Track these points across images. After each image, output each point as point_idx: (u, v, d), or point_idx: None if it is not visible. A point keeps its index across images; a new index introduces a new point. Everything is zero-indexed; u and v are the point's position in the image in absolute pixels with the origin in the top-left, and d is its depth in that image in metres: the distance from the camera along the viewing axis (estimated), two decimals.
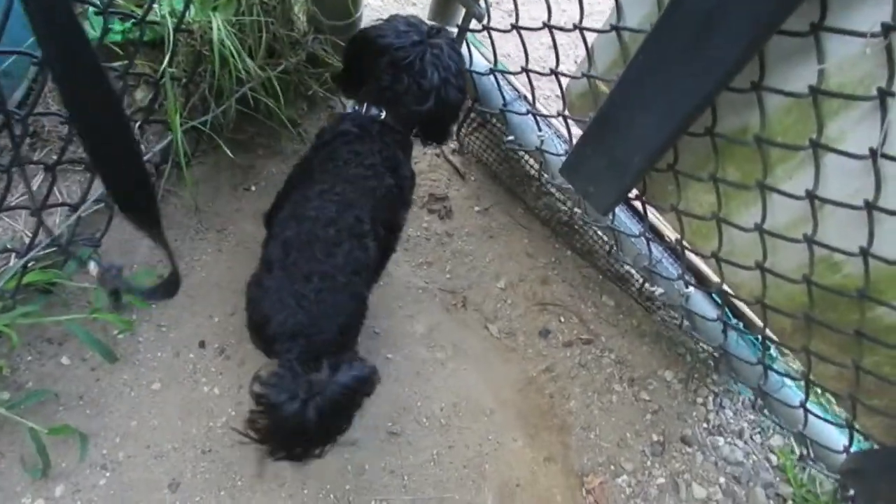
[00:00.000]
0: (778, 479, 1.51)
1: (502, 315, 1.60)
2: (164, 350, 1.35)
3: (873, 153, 0.81)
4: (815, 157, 0.89)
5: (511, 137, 1.48)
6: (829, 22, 0.80)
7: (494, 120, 1.58)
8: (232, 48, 1.20)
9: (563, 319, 1.63)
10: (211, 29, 1.20)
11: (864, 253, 0.89)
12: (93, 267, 1.16)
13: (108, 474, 1.22)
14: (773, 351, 1.38)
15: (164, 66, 1.18)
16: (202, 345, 1.37)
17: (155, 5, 1.15)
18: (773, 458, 1.54)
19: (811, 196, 0.92)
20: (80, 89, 0.71)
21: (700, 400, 1.59)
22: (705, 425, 1.55)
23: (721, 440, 1.54)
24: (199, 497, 1.23)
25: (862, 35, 0.77)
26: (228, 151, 1.42)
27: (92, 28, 1.26)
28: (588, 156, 1.15)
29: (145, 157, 1.34)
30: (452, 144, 1.80)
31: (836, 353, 1.07)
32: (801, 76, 0.86)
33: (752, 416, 1.59)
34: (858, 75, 0.82)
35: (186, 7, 1.15)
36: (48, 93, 1.36)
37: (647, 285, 1.55)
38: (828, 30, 0.81)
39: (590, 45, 1.16)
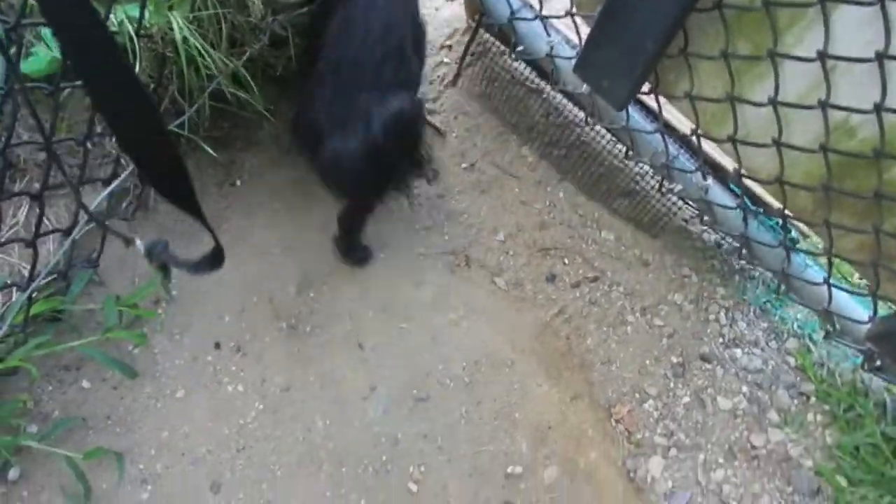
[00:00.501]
0: (798, 378, 1.54)
1: (507, 267, 1.61)
2: (181, 357, 1.35)
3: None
4: (823, 12, 0.88)
5: (521, 48, 1.46)
6: None
7: (494, 47, 1.58)
8: (196, 45, 1.17)
9: (566, 262, 1.64)
10: (171, 30, 1.17)
11: (878, 109, 0.89)
12: (139, 245, 1.18)
13: (149, 488, 1.23)
14: (793, 234, 1.39)
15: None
16: (218, 346, 1.38)
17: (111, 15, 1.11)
18: (791, 360, 1.57)
19: (822, 56, 0.91)
20: (104, 79, 0.73)
21: (712, 317, 1.61)
22: (721, 340, 1.58)
23: (738, 352, 1.56)
24: (242, 494, 1.25)
25: None
26: (211, 150, 1.41)
27: (48, 46, 1.23)
28: (599, 49, 1.14)
29: (126, 172, 1.32)
30: (428, 104, 1.78)
31: (857, 222, 1.08)
32: None
33: (764, 325, 1.62)
34: None
35: (143, 12, 1.12)
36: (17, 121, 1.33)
37: (665, 183, 1.55)
38: None
39: None
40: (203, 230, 0.94)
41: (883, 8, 0.81)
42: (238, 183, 1.56)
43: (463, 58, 1.76)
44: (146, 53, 1.23)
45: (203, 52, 1.19)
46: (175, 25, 1.14)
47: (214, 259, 0.99)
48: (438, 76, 1.81)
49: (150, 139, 0.82)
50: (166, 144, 0.84)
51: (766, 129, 1.06)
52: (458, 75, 1.81)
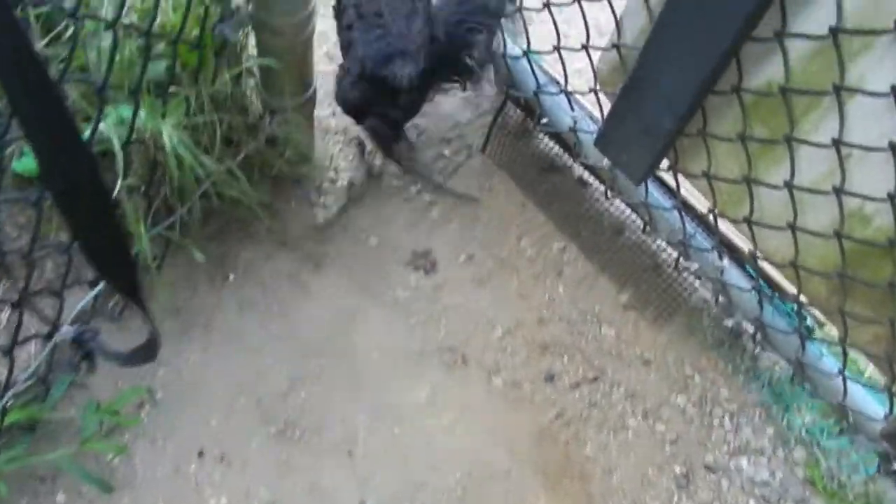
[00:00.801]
0: (807, 492, 1.48)
1: (504, 365, 1.56)
2: (162, 467, 1.29)
3: (894, 90, 0.82)
4: (838, 101, 0.90)
5: (545, 120, 1.52)
6: None
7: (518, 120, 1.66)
8: (187, 151, 1.16)
9: (566, 359, 1.59)
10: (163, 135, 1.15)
11: (892, 198, 0.89)
12: (65, 330, 1.12)
13: None
14: (809, 321, 1.39)
15: (119, 181, 1.14)
16: (201, 454, 1.32)
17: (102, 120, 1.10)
18: (800, 472, 1.50)
19: (837, 143, 0.92)
20: (56, 148, 0.69)
21: (716, 421, 1.56)
22: (726, 448, 1.52)
23: (744, 461, 1.50)
24: None
25: None
26: (199, 253, 1.39)
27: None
28: (620, 123, 1.18)
29: None
30: (427, 196, 1.76)
31: (872, 313, 1.07)
32: (822, 22, 0.87)
33: (771, 431, 1.56)
34: (877, 14, 0.83)
35: (134, 119, 1.10)
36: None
37: (682, 260, 1.54)
38: None
39: (618, 16, 1.18)
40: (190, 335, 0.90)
41: None
42: (231, 277, 1.52)
43: (490, 131, 1.79)
44: (137, 156, 1.21)
45: (193, 157, 1.18)
46: (166, 134, 1.13)
47: (147, 351, 0.93)
48: (437, 168, 1.79)
49: (98, 223, 0.77)
50: (116, 230, 0.80)
51: (782, 212, 1.08)
52: (485, 145, 1.83)
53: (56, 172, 0.70)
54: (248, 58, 1.30)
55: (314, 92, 1.41)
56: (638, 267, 1.69)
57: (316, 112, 1.67)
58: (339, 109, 1.72)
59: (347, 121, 1.68)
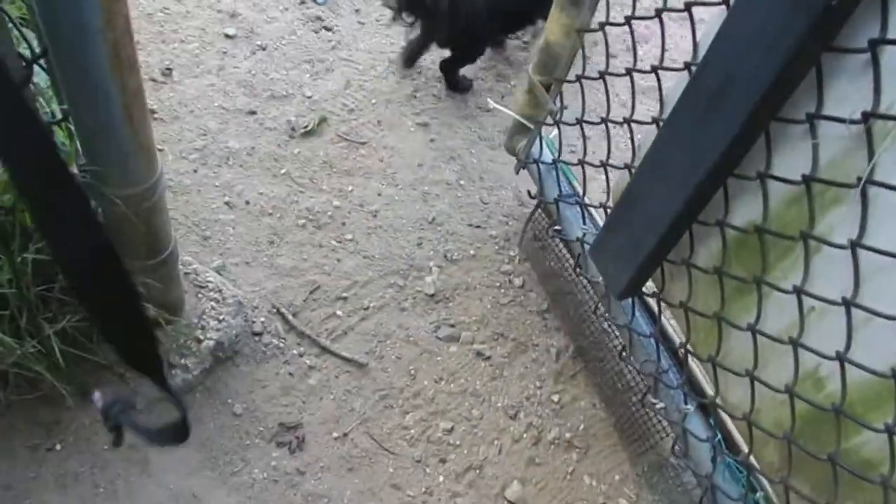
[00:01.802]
0: None
1: None
2: None
3: (852, 244, 0.81)
4: (805, 248, 0.90)
5: (558, 227, 1.61)
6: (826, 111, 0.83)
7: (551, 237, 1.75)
8: None
9: None
10: None
11: (841, 358, 0.85)
12: (97, 397, 0.99)
13: None
14: (759, 496, 1.27)
15: None
16: None
17: None
18: None
19: (798, 292, 0.91)
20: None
21: None
22: None
23: None
24: None
25: (842, 121, 0.80)
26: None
27: None
28: (611, 234, 1.21)
29: None
30: (308, 360, 1.63)
31: (814, 493, 1.00)
32: (800, 168, 0.88)
33: None
34: (848, 169, 0.83)
35: None
36: None
37: (649, 396, 1.49)
38: (822, 117, 0.83)
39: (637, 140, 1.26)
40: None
41: (854, 255, 0.81)
42: (58, 447, 1.35)
43: (523, 234, 1.90)
44: None
45: None
46: None
47: (178, 432, 0.87)
48: (327, 328, 1.68)
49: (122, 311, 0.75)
50: (139, 315, 0.78)
51: (746, 360, 1.06)
52: (520, 243, 1.91)
53: None
54: None
55: (171, 253, 1.30)
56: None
57: (194, 267, 1.57)
58: (223, 264, 1.64)
59: (230, 281, 1.58)
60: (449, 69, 2.18)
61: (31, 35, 0.96)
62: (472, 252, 1.92)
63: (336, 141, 2.06)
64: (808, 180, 0.86)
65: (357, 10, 2.36)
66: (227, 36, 2.19)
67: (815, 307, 0.92)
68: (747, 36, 0.83)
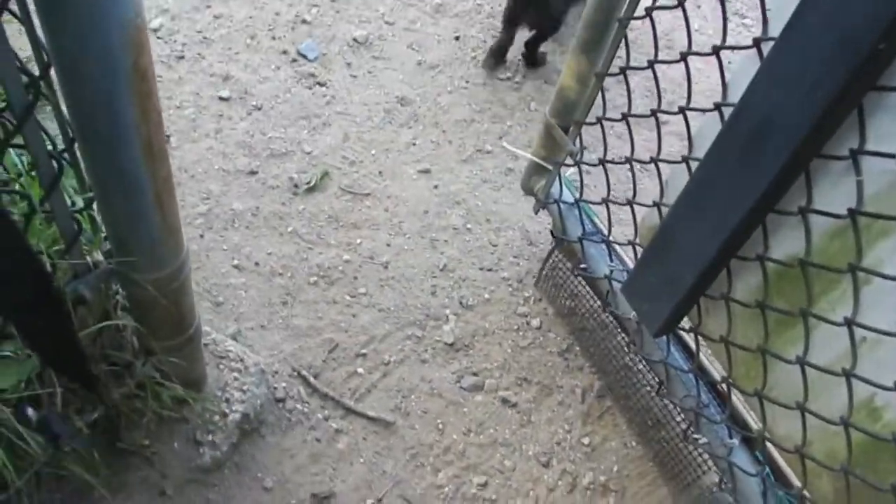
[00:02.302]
0: None
1: None
2: None
3: None
4: (853, 281, 0.89)
5: (584, 265, 1.60)
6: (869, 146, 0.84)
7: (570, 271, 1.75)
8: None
9: None
10: None
11: None
12: (31, 412, 1.02)
13: None
14: None
15: None
16: None
17: None
18: None
19: (850, 323, 0.91)
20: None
21: None
22: None
23: None
24: None
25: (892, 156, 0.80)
26: None
27: None
28: (645, 272, 1.21)
29: None
30: (335, 423, 1.59)
31: None
32: (844, 202, 0.88)
33: None
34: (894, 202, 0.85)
35: None
36: None
37: (691, 431, 1.46)
38: (866, 153, 0.84)
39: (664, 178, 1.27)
40: None
41: None
42: None
43: (543, 267, 1.87)
44: None
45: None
46: None
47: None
48: (349, 388, 1.65)
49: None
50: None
51: (794, 391, 1.06)
52: (538, 281, 1.92)
53: None
54: (117, 303, 1.18)
55: (196, 328, 1.28)
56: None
57: (213, 336, 1.54)
58: (239, 329, 1.61)
59: (247, 347, 1.55)
60: (532, 47, 2.47)
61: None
62: (486, 296, 1.91)
63: (340, 194, 2.05)
64: (854, 214, 0.87)
65: (349, 64, 2.38)
66: (222, 98, 2.19)
67: (867, 337, 0.92)
68: (788, 79, 0.85)
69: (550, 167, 1.67)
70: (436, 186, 2.14)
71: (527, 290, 1.94)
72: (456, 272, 1.94)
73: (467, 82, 2.43)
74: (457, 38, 2.55)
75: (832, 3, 0.78)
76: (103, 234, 1.08)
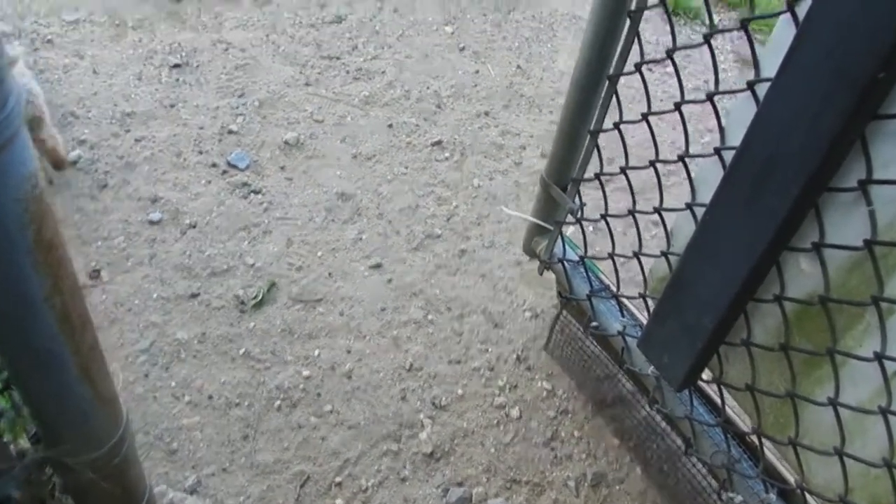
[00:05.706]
0: None
1: None
2: None
3: None
4: (878, 313, 0.86)
5: (595, 323, 1.54)
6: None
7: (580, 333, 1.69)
8: None
9: None
10: None
11: None
12: None
13: None
14: None
15: None
16: None
17: None
18: None
19: (880, 358, 0.87)
20: None
21: None
22: None
23: None
24: None
25: None
26: None
27: None
28: (662, 323, 1.17)
29: None
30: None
31: None
32: (859, 234, 0.86)
33: None
34: None
35: None
36: None
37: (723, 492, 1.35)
38: (874, 182, 0.81)
39: (669, 227, 1.23)
40: None
41: None
42: None
43: (551, 331, 1.83)
44: None
45: None
46: None
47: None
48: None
49: None
50: None
51: (829, 437, 1.02)
52: (547, 344, 1.88)
53: None
54: (54, 486, 1.03)
55: (148, 500, 1.13)
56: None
57: (170, 497, 1.38)
58: (198, 479, 1.45)
59: (210, 498, 1.40)
60: None
61: None
62: (459, 391, 1.80)
63: (290, 305, 1.95)
64: (870, 244, 0.84)
65: (282, 168, 2.31)
66: (153, 222, 2.08)
67: None
68: (788, 117, 0.83)
69: (551, 227, 1.66)
70: (389, 280, 2.05)
71: (500, 379, 1.84)
72: (424, 370, 1.84)
73: (406, 168, 2.40)
74: (390, 126, 2.53)
75: (829, 38, 0.76)
76: (28, 416, 0.95)
